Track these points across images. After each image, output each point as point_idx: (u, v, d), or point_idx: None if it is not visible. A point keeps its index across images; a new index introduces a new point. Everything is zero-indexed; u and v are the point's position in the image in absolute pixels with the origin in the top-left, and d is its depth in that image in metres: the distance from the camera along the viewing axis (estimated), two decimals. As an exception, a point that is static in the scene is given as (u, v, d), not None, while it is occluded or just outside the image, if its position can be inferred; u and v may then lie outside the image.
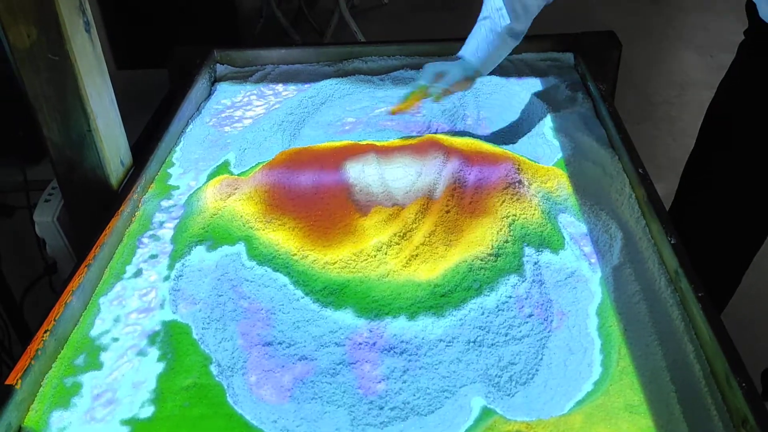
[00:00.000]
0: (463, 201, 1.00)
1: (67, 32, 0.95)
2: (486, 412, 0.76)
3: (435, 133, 1.21)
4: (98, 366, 0.83)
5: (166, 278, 0.95)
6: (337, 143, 1.13)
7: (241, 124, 1.32)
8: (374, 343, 0.84)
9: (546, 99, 1.32)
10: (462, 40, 1.50)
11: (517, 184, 1.03)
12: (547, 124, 1.25)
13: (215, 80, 1.47)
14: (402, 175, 1.04)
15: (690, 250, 0.88)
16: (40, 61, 0.97)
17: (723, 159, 1.18)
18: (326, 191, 1.01)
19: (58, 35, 0.95)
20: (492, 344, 0.84)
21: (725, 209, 1.19)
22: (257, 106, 1.37)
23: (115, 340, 0.86)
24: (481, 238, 0.94)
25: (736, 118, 1.13)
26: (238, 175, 1.15)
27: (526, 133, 1.25)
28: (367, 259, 0.93)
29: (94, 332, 0.88)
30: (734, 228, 1.20)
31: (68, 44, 0.96)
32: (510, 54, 1.46)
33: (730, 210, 1.19)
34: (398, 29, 3.36)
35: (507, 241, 0.95)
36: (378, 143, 1.12)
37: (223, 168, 1.18)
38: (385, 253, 0.93)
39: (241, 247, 0.97)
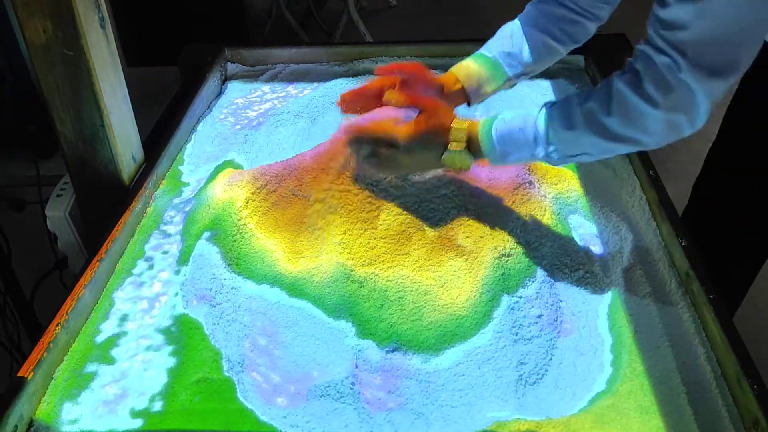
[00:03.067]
0: (473, 201, 0.99)
1: (83, 28, 0.96)
2: (495, 412, 0.76)
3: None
4: (109, 360, 0.83)
5: (177, 273, 0.96)
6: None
7: (251, 122, 1.32)
8: (385, 344, 0.84)
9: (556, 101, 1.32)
10: (469, 41, 1.50)
11: (527, 185, 1.03)
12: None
13: (226, 78, 1.48)
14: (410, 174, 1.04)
15: (704, 252, 0.88)
16: (54, 56, 0.98)
17: (740, 162, 1.18)
18: (337, 182, 1.00)
19: (73, 30, 0.95)
20: (502, 344, 0.84)
21: (739, 210, 1.19)
22: (268, 105, 1.38)
23: (126, 334, 0.87)
24: (491, 238, 0.94)
25: (752, 123, 1.13)
26: (246, 172, 1.15)
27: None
28: (374, 257, 0.92)
29: (105, 326, 0.88)
30: (747, 230, 1.20)
31: (83, 40, 0.96)
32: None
33: (743, 211, 1.19)
34: (406, 31, 3.36)
35: (518, 242, 0.95)
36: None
37: (229, 164, 1.18)
38: (394, 253, 0.93)
39: (252, 240, 0.97)
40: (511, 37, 1.05)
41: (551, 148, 0.84)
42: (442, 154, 0.90)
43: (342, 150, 0.99)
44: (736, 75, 0.71)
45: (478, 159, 0.89)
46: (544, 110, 0.84)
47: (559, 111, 0.83)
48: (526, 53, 1.04)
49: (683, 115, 0.75)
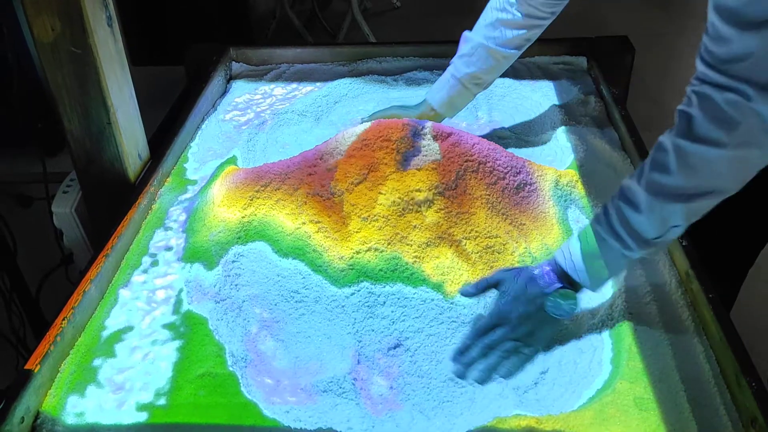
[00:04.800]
0: (475, 201, 1.00)
1: (90, 26, 0.97)
2: (495, 408, 0.77)
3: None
4: (114, 354, 0.84)
5: (182, 269, 0.97)
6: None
7: (255, 121, 1.33)
8: (387, 340, 0.85)
9: (558, 102, 1.33)
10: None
11: (529, 185, 1.04)
12: (559, 126, 1.25)
13: (231, 78, 1.49)
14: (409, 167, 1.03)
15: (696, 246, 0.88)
16: (62, 54, 0.99)
17: None
18: (346, 171, 0.99)
19: (81, 29, 0.97)
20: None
21: (731, 204, 1.19)
22: (271, 104, 1.39)
23: (131, 329, 0.88)
24: (493, 239, 0.95)
25: None
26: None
27: (538, 136, 1.26)
28: (375, 256, 0.93)
29: (110, 321, 0.89)
30: (739, 223, 1.20)
31: (91, 38, 0.98)
32: (523, 57, 1.48)
33: (735, 205, 1.19)
34: (410, 32, 3.37)
35: (519, 242, 0.96)
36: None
37: (233, 162, 1.19)
38: (395, 252, 0.94)
39: (256, 237, 0.97)
40: (471, 56, 1.13)
41: (639, 240, 0.77)
42: (548, 308, 0.82)
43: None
44: None
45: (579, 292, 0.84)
46: (610, 209, 0.79)
47: (621, 202, 0.78)
48: (486, 69, 1.14)
49: (754, 149, 0.70)
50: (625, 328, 0.85)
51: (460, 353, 0.82)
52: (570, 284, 0.83)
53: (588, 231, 0.81)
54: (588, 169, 1.12)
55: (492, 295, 0.87)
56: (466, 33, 1.15)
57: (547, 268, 0.83)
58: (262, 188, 1.02)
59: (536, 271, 0.83)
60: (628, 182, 0.78)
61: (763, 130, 0.68)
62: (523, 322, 0.82)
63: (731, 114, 0.68)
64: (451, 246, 0.93)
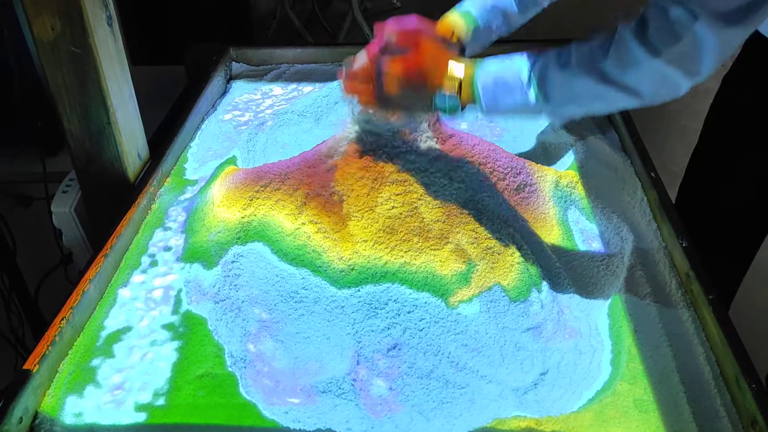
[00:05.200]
0: (476, 203, 1.00)
1: (90, 25, 0.97)
2: (495, 409, 0.77)
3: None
4: (113, 354, 0.84)
5: (181, 269, 0.97)
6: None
7: (255, 121, 1.33)
8: (387, 341, 0.84)
9: (559, 102, 1.33)
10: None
11: (529, 186, 1.04)
12: (560, 127, 1.25)
13: (231, 78, 1.49)
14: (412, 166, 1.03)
15: (694, 242, 0.89)
16: (62, 54, 0.99)
17: (728, 149, 1.19)
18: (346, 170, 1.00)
19: (81, 28, 0.96)
20: (502, 342, 0.84)
21: (729, 200, 1.20)
22: (271, 105, 1.39)
23: (130, 329, 0.88)
24: (493, 239, 0.95)
25: (740, 111, 1.14)
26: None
27: (538, 136, 1.25)
28: (374, 255, 0.93)
29: (109, 321, 0.89)
30: (737, 219, 1.20)
31: (91, 37, 0.97)
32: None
33: (733, 201, 1.19)
34: (410, 33, 3.37)
35: (520, 243, 0.95)
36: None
37: (233, 162, 1.19)
38: (396, 251, 0.94)
39: (255, 237, 0.97)
40: None
41: (542, 90, 0.80)
42: (435, 96, 0.87)
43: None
44: (755, 23, 0.69)
45: (468, 104, 0.86)
46: (542, 57, 0.82)
47: (554, 51, 0.81)
48: (515, 8, 1.05)
49: (680, 71, 0.74)
50: (625, 329, 0.85)
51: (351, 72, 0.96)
52: (465, 97, 0.85)
53: (511, 63, 0.84)
54: (588, 170, 1.12)
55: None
56: None
57: (460, 77, 0.85)
58: (262, 188, 1.02)
59: (449, 71, 0.85)
60: (569, 46, 0.81)
61: (695, 52, 0.71)
62: (409, 90, 0.88)
63: (675, 29, 0.71)
64: (454, 253, 0.92)
